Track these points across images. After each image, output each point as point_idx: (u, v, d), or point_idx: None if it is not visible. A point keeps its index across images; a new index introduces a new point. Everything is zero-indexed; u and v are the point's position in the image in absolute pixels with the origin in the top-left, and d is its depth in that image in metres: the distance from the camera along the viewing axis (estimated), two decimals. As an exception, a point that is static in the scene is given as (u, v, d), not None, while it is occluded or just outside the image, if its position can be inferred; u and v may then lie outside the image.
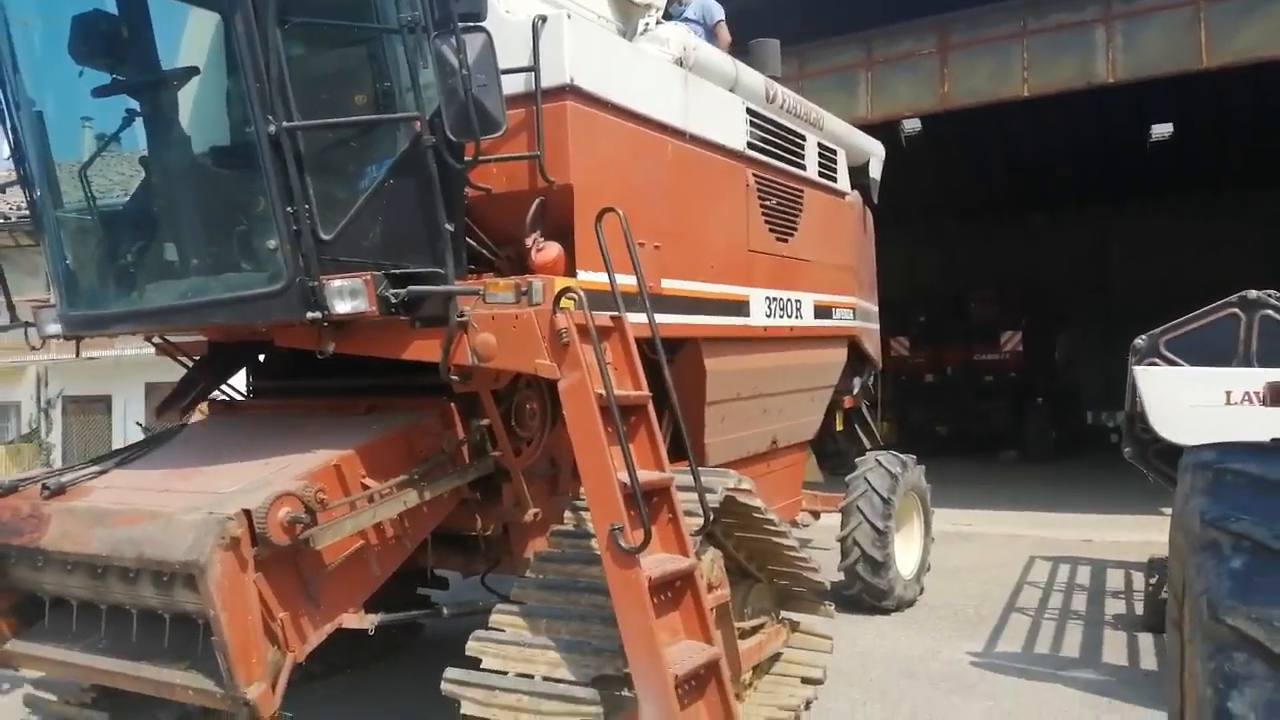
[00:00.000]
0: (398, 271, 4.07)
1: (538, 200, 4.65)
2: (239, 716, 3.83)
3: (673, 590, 4.00)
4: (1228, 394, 4.98)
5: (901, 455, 8.06)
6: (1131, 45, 10.93)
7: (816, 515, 8.39)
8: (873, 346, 8.96)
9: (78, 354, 5.91)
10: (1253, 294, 5.51)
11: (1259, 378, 4.66)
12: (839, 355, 7.89)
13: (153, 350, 5.50)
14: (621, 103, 5.00)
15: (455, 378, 4.24)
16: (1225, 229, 21.44)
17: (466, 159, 4.46)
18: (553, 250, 4.62)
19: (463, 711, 4.04)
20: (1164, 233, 22.63)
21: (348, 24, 4.23)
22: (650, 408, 4.23)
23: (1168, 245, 22.32)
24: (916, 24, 11.98)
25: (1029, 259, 23.19)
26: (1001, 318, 19.54)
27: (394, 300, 4.01)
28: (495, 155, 4.60)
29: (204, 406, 5.52)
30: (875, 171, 8.90)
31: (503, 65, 4.49)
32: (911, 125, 12.38)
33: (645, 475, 4.02)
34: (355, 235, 4.05)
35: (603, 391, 3.88)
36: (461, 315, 4.07)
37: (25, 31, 4.36)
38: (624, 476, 3.79)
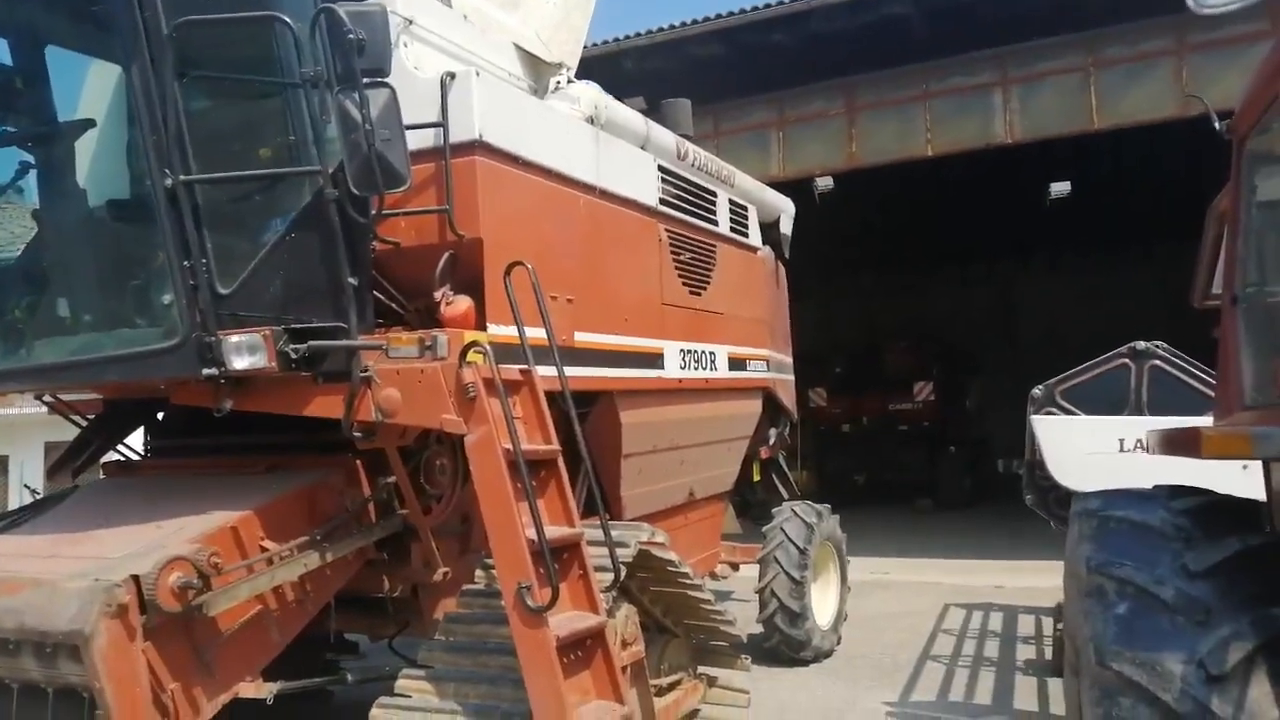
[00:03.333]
0: (299, 326, 3.99)
1: (447, 254, 4.63)
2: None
3: (583, 649, 3.93)
4: (1120, 441, 5.16)
5: (817, 505, 8.15)
6: (1027, 108, 11.48)
7: (735, 567, 8.39)
8: (787, 398, 9.08)
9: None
10: (1141, 345, 5.75)
11: (1150, 425, 4.84)
12: (754, 407, 7.98)
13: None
14: (531, 158, 5.04)
15: (359, 434, 4.15)
16: (1125, 282, 22.44)
17: (374, 212, 4.44)
18: (463, 304, 4.59)
19: (366, 783, 3.90)
20: (1067, 287, 23.63)
21: (249, 78, 4.19)
22: (560, 462, 4.19)
23: (1071, 298, 23.29)
24: (825, 85, 12.38)
25: (941, 312, 23.95)
26: (914, 369, 20.08)
27: (294, 355, 3.92)
28: (404, 209, 4.60)
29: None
30: (786, 227, 9.10)
31: (412, 120, 4.51)
32: (824, 183, 12.72)
33: (554, 531, 3.98)
34: (255, 289, 3.97)
35: (510, 446, 3.83)
36: (365, 370, 4.00)
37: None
38: (531, 533, 3.73)
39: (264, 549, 4.18)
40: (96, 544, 4.07)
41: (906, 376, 20.00)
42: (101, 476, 5.20)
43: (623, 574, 4.24)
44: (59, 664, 3.63)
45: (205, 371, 3.91)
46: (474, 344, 3.94)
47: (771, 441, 9.05)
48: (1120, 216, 20.78)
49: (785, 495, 9.11)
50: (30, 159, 4.33)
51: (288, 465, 4.70)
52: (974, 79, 11.67)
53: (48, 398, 5.04)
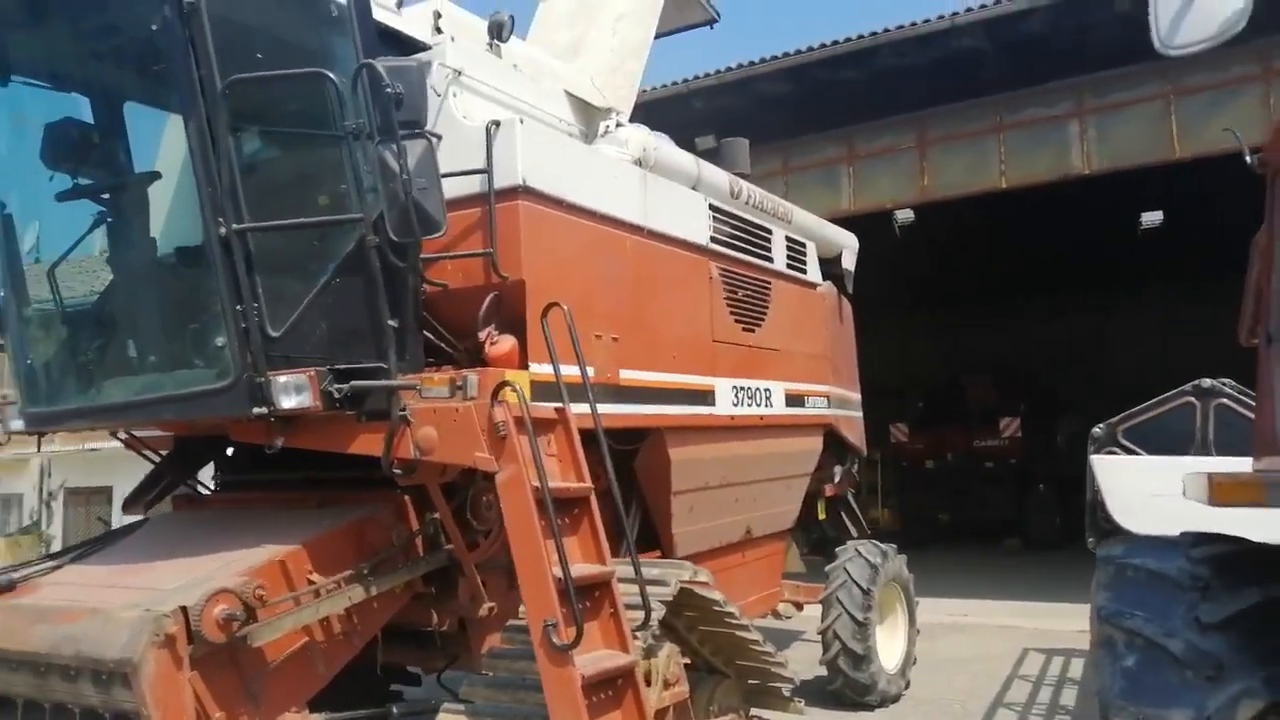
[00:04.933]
0: (342, 367, 4.15)
1: (492, 295, 4.76)
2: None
3: (614, 688, 3.95)
4: (1184, 484, 4.93)
5: (882, 545, 7.99)
6: (1105, 138, 11.19)
7: (799, 607, 8.26)
8: (853, 434, 8.96)
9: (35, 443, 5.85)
10: (1207, 382, 5.52)
11: (1214, 467, 4.64)
12: (814, 444, 7.89)
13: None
14: (575, 201, 5.15)
15: (399, 471, 4.27)
16: (1217, 313, 21.47)
17: (423, 255, 4.61)
18: (506, 344, 4.71)
19: (404, 815, 3.97)
20: (1159, 318, 22.72)
21: (297, 131, 4.41)
22: (592, 500, 4.23)
23: (1162, 330, 22.37)
24: (896, 120, 12.30)
25: (1027, 345, 23.26)
26: (1000, 404, 19.52)
27: (338, 395, 4.07)
28: (452, 253, 4.76)
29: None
30: (849, 262, 9.04)
31: (459, 167, 4.70)
32: (904, 215, 12.57)
33: (585, 569, 4.02)
34: (302, 332, 4.15)
35: (539, 484, 3.90)
36: (403, 409, 4.13)
37: (-5, 138, 4.57)
38: (559, 570, 3.78)
39: (311, 582, 4.31)
40: (153, 575, 4.27)
41: (992, 411, 19.45)
42: (170, 510, 5.45)
43: (654, 613, 4.24)
44: (113, 690, 3.81)
45: (256, 410, 4.10)
46: (505, 383, 4.03)
47: (837, 479, 8.94)
48: (1214, 246, 19.97)
49: (854, 534, 8.97)
50: (100, 210, 4.62)
51: (339, 501, 4.86)
52: (1049, 110, 11.44)
53: (122, 434, 5.31)
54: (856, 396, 9.30)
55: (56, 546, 22.05)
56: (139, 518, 5.44)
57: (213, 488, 5.75)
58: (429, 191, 3.96)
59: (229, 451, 5.75)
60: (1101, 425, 5.71)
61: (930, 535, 18.50)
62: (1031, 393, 19.99)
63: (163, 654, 3.67)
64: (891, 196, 12.52)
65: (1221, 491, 2.47)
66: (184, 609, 3.76)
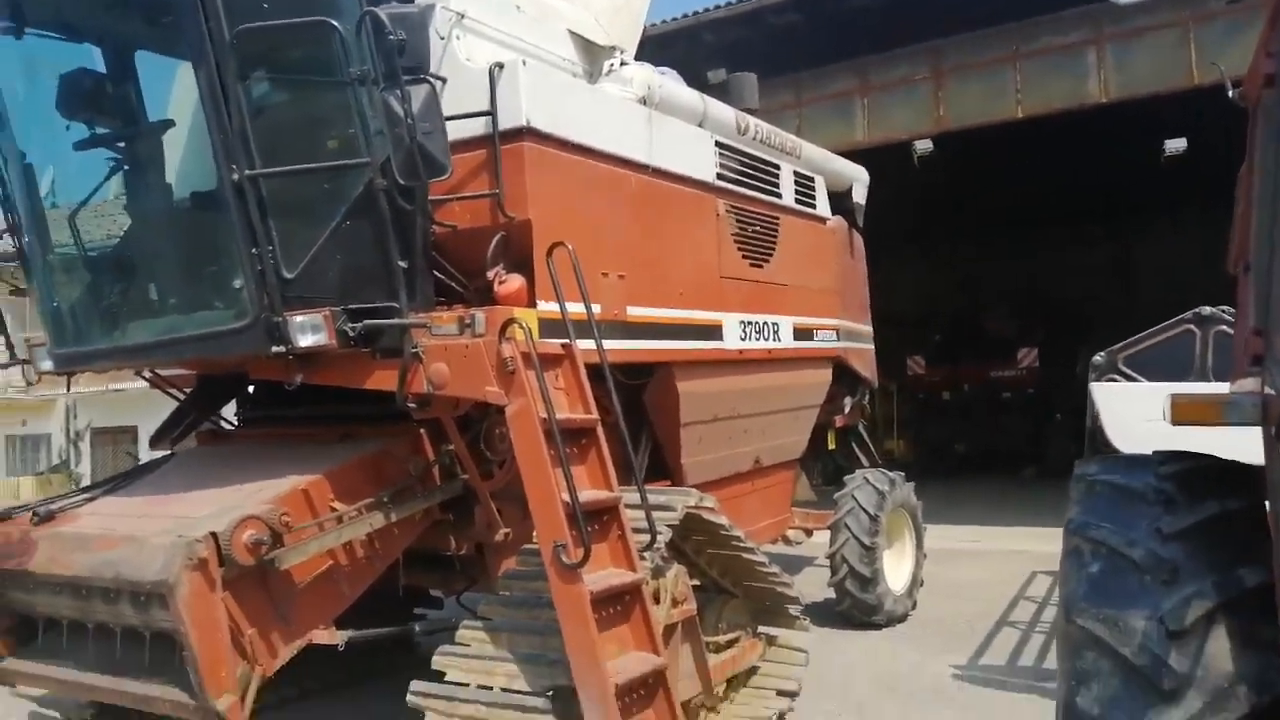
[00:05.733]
0: (355, 306, 4.32)
1: (499, 235, 4.88)
2: (210, 728, 4.03)
3: (621, 604, 4.16)
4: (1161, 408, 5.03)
5: (890, 473, 8.17)
6: (1122, 65, 11.03)
7: (809, 533, 8.50)
8: (864, 366, 9.08)
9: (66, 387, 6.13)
10: (1207, 310, 5.58)
11: (1205, 391, 4.75)
12: (823, 376, 8.04)
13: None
14: (580, 141, 5.24)
15: (413, 405, 4.46)
16: (1246, 241, 21.21)
17: (432, 197, 4.74)
18: (514, 282, 4.85)
19: (425, 721, 4.24)
20: (1187, 246, 22.43)
21: (305, 78, 4.52)
22: (599, 430, 4.41)
23: (1191, 258, 22.11)
24: (910, 51, 12.15)
25: (1049, 276, 23.11)
26: (1018, 334, 19.54)
27: (352, 333, 4.25)
28: (459, 194, 4.88)
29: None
30: (860, 196, 9.06)
31: (464, 109, 4.80)
32: (923, 146, 12.44)
33: (592, 495, 4.21)
34: (316, 273, 4.31)
35: (546, 416, 4.07)
36: (415, 347, 4.30)
37: (14, 88, 4.69)
38: (567, 496, 3.97)
39: (333, 509, 4.55)
40: (184, 505, 4.51)
41: (1009, 342, 19.50)
42: (195, 445, 5.69)
43: (660, 536, 4.44)
44: (151, 611, 4.08)
45: (274, 349, 4.28)
46: (511, 321, 4.18)
47: (847, 410, 9.10)
48: (1234, 173, 19.64)
49: (865, 463, 9.16)
50: (118, 157, 4.77)
51: (359, 434, 5.07)
52: (1066, 38, 11.27)
53: (146, 374, 5.53)
54: (867, 329, 9.40)
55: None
56: (166, 453, 5.69)
57: (236, 424, 5.99)
58: (433, 135, 4.07)
59: (250, 389, 5.97)
60: (1102, 353, 5.81)
61: (946, 466, 18.71)
62: (1050, 323, 19.97)
63: (196, 576, 3.91)
64: (907, 128, 12.42)
65: (1180, 412, 2.60)
66: (214, 534, 3.99)
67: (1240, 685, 2.20)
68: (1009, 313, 20.06)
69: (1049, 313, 20.34)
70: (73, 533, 4.47)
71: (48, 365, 5.02)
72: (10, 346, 5.25)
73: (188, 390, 5.82)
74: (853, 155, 10.22)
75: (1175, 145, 15.39)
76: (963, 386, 19.97)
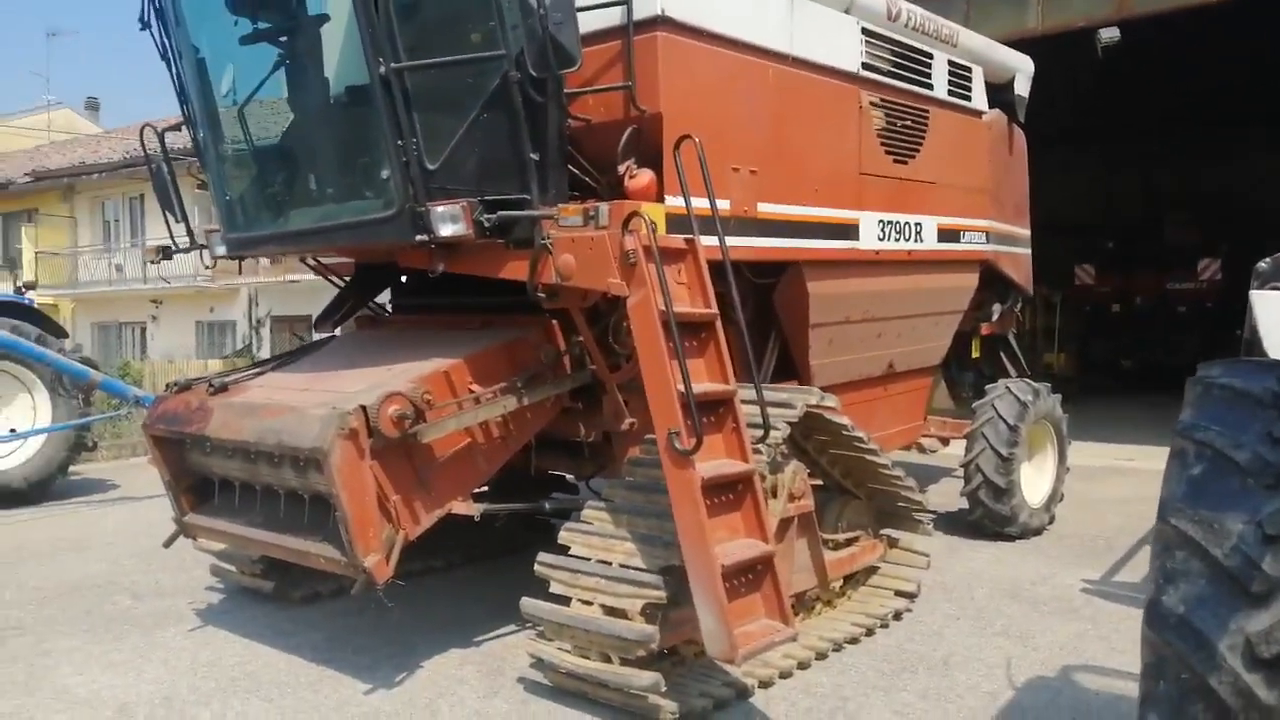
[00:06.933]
0: (491, 198, 4.50)
1: (630, 129, 4.93)
2: (358, 582, 4.48)
3: (734, 493, 4.30)
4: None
5: (1036, 384, 7.92)
6: (1342, -63, 9.82)
7: (945, 442, 8.38)
8: (1018, 272, 8.73)
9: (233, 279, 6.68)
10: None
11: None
12: (968, 280, 7.79)
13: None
14: (717, 30, 5.18)
15: (542, 295, 4.65)
16: None
17: (567, 91, 4.83)
18: (644, 177, 4.91)
19: (550, 590, 4.55)
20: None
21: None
22: (718, 325, 4.48)
23: None
24: (1093, -75, 11.17)
25: (1240, 181, 21.18)
26: (1200, 243, 18.17)
27: (487, 224, 4.45)
28: (591, 87, 4.95)
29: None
30: (1022, 88, 8.55)
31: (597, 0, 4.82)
32: (1109, 34, 11.46)
33: (708, 386, 4.32)
34: (456, 165, 4.51)
35: (665, 308, 4.17)
36: (545, 238, 4.46)
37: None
38: (682, 386, 4.10)
39: (471, 391, 4.86)
40: (340, 381, 4.92)
41: (1190, 252, 18.15)
42: (353, 328, 6.12)
43: (775, 431, 4.52)
44: (309, 475, 4.52)
45: (418, 237, 4.54)
46: (635, 214, 4.27)
47: (995, 318, 8.81)
48: None
49: (1013, 374, 8.88)
50: (282, 53, 5.06)
51: (497, 323, 5.35)
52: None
53: (310, 261, 5.96)
54: (1025, 233, 8.99)
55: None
56: (328, 335, 6.16)
57: (389, 310, 6.40)
58: (564, 26, 4.14)
59: (403, 278, 6.34)
60: (1268, 260, 5.36)
61: (1111, 383, 17.83)
62: (1238, 233, 18.42)
63: (347, 444, 4.29)
64: (1085, 13, 11.48)
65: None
66: (364, 408, 4.35)
67: (1333, 594, 2.13)
68: (1192, 220, 18.61)
69: (1237, 221, 18.74)
70: (242, 402, 4.96)
71: (221, 250, 5.48)
72: (190, 233, 5.75)
73: (348, 279, 6.24)
74: (1027, 45, 9.59)
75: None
76: (1134, 298, 18.82)
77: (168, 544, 5.60)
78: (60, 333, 10.38)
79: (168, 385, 5.50)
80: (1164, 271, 18.38)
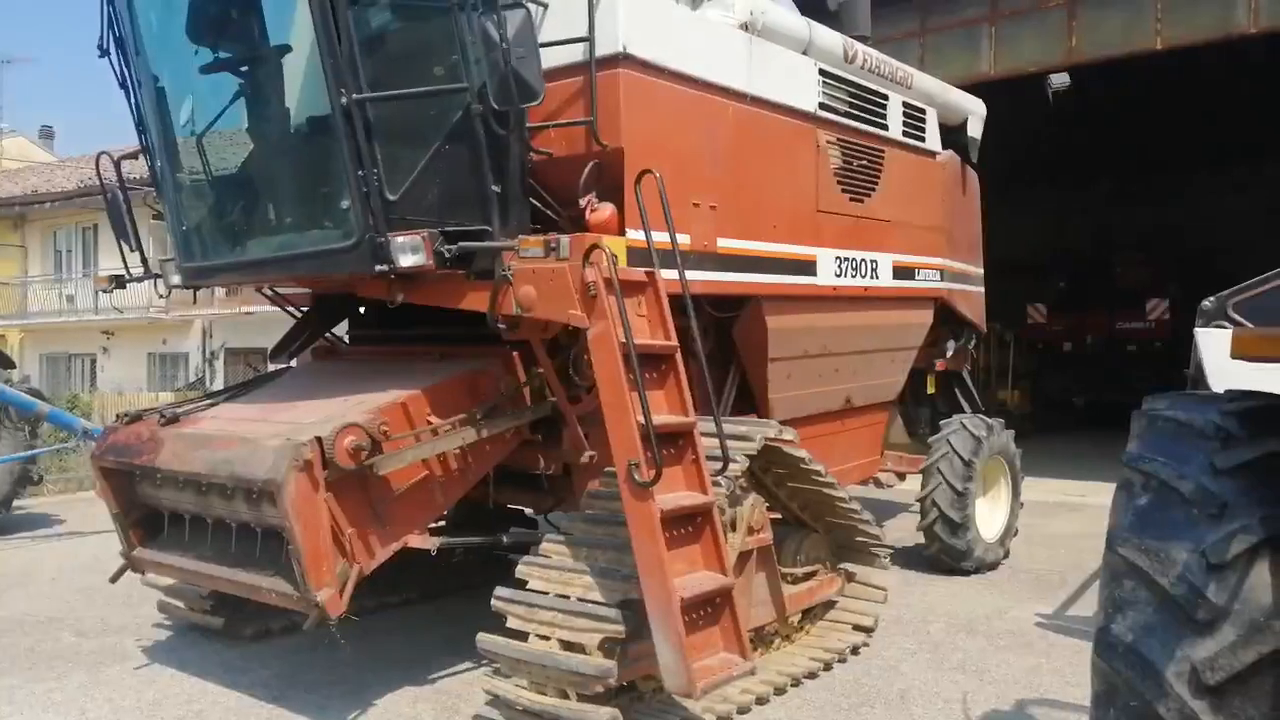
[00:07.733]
0: (452, 229, 4.51)
1: (592, 163, 4.99)
2: (311, 617, 4.40)
3: (693, 525, 4.30)
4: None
5: (989, 419, 8.03)
6: (1278, -9, 10.23)
7: (901, 476, 8.45)
8: (970, 310, 8.88)
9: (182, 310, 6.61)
10: (1333, 255, 5.23)
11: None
12: (922, 317, 7.91)
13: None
14: (677, 68, 5.26)
15: (502, 326, 4.65)
16: None
17: (530, 125, 4.87)
18: (605, 211, 4.96)
19: (507, 625, 4.50)
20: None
21: (409, 3, 4.68)
22: (678, 357, 4.51)
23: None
24: (1044, -26, 11.54)
25: (1189, 223, 21.79)
26: (1149, 283, 18.60)
27: (447, 255, 4.45)
28: (553, 121, 5.00)
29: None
30: (975, 130, 8.77)
31: (562, 35, 4.88)
32: (1060, 80, 11.83)
33: (668, 419, 4.33)
34: (417, 196, 4.52)
35: (625, 340, 4.18)
36: (506, 269, 4.47)
37: (149, 19, 5.01)
38: (642, 418, 4.11)
39: (429, 422, 4.82)
40: (294, 412, 4.86)
41: (1140, 292, 18.56)
42: (309, 359, 6.07)
43: (734, 464, 4.54)
44: (262, 507, 4.45)
45: (377, 268, 4.52)
46: (596, 246, 4.30)
47: (950, 354, 8.93)
48: None
49: (966, 410, 8.99)
50: (242, 83, 5.05)
51: (456, 354, 5.33)
52: (1213, -39, 10.51)
53: (268, 291, 5.91)
54: (977, 270, 9.16)
55: (220, 403, 24.18)
56: (284, 365, 6.09)
57: (347, 341, 6.35)
58: (527, 60, 4.19)
59: (361, 309, 6.31)
60: (1212, 298, 5.52)
61: (1063, 419, 18.11)
62: (1187, 273, 18.91)
63: (302, 476, 4.24)
64: (1036, 60, 11.85)
65: (1239, 345, 2.53)
66: (319, 439, 4.30)
67: (1276, 619, 2.18)
68: (1143, 261, 19.06)
69: (1186, 262, 19.23)
70: (195, 433, 4.88)
71: (176, 280, 5.42)
72: (145, 262, 5.68)
73: (305, 309, 6.19)
74: (980, 89, 9.84)
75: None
76: (1085, 337, 19.16)
77: (114, 579, 5.46)
78: (8, 363, 10.16)
79: (118, 416, 5.41)
80: (1114, 311, 18.77)
